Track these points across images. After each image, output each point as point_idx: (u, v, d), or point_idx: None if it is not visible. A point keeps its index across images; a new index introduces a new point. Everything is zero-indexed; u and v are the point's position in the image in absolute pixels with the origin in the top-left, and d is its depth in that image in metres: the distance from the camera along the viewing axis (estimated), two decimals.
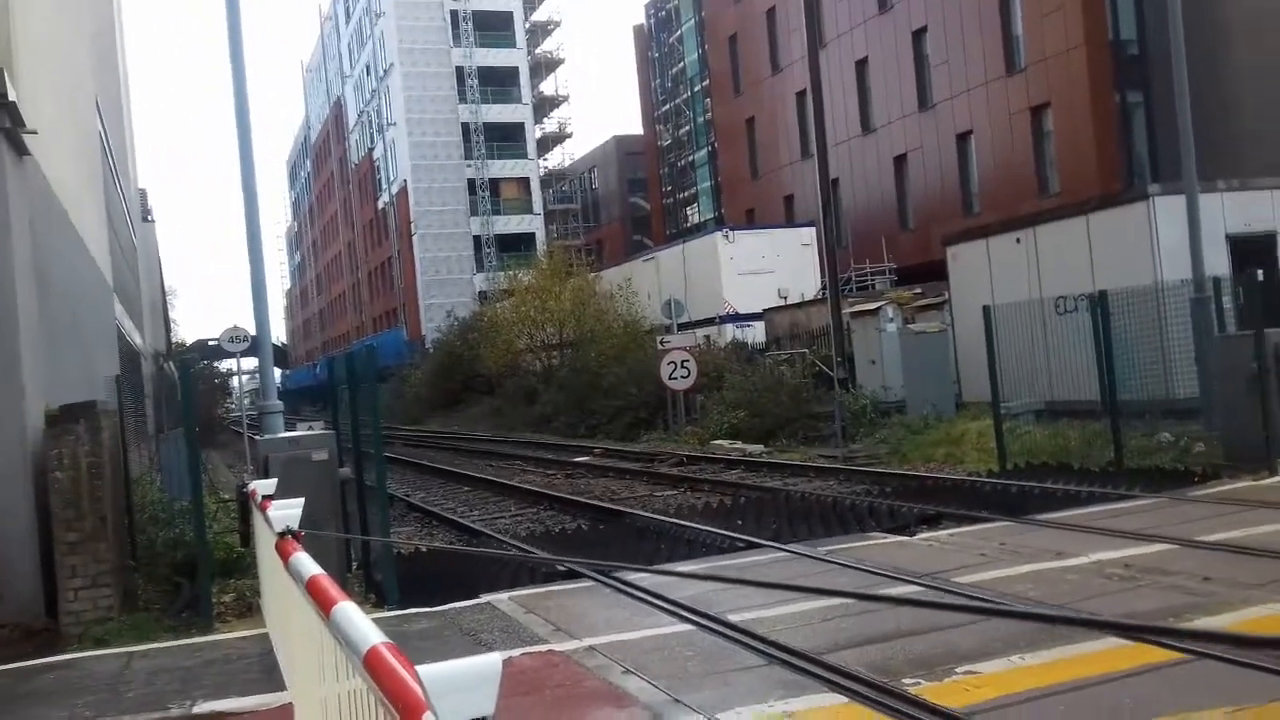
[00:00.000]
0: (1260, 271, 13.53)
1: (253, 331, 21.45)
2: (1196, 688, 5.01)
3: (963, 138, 35.27)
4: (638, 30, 65.70)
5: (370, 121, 76.98)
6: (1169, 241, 15.58)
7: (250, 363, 28.25)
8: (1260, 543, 7.89)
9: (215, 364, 47.97)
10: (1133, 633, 5.17)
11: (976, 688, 5.30)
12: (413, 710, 1.49)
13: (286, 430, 11.72)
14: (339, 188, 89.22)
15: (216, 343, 27.76)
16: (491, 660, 1.47)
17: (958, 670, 5.55)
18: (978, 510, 10.69)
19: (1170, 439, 13.30)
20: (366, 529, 9.72)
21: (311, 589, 2.83)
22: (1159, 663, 5.29)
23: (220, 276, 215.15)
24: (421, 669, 1.48)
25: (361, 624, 2.06)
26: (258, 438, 11.90)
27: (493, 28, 70.35)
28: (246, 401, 40.80)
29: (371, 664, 1.76)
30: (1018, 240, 18.78)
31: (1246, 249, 16.16)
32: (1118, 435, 12.86)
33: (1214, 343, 13.00)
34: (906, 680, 5.45)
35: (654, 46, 63.29)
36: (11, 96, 8.18)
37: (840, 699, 5.32)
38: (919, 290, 25.86)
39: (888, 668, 5.67)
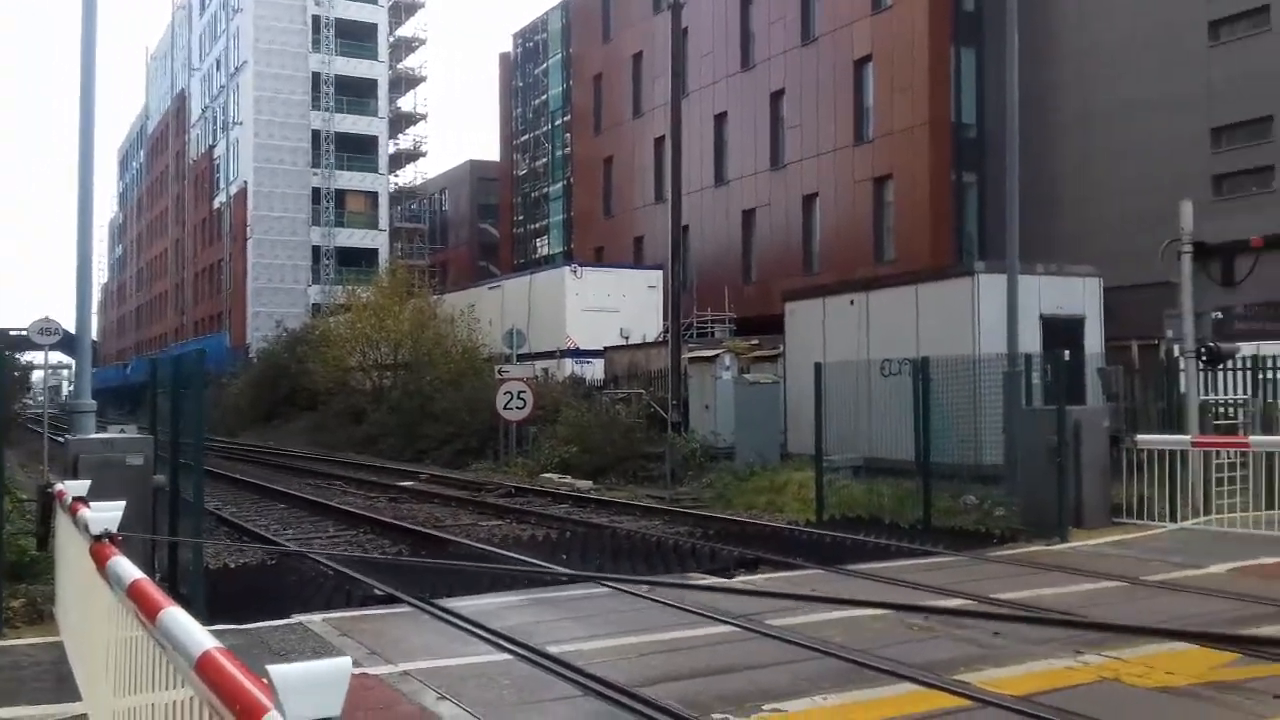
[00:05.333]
0: (1067, 352, 14.56)
1: (66, 324, 20.26)
2: None
3: (809, 199, 36.68)
4: (504, 58, 65.85)
5: (215, 118, 74.21)
6: (989, 316, 16.57)
7: (55, 357, 26.65)
8: (1047, 603, 8.46)
9: (16, 356, 45.04)
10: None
11: None
12: (252, 712, 1.50)
13: (96, 432, 11.11)
14: (173, 182, 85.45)
15: (24, 333, 26.04)
16: (342, 663, 1.49)
17: (764, 707, 5.75)
18: (794, 557, 11.07)
19: (975, 502, 14.08)
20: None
21: (134, 594, 2.75)
22: (950, 708, 5.67)
23: (28, 261, 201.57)
24: (272, 668, 1.49)
25: (193, 628, 2.04)
26: (64, 438, 11.25)
27: (355, 37, 69.05)
28: (46, 399, 38.45)
29: (206, 668, 1.76)
30: (851, 302, 19.62)
31: (1057, 329, 17.36)
32: (928, 495, 13.53)
33: (1021, 415, 13.88)
34: (715, 715, 5.61)
35: (519, 76, 63.49)
36: None
37: None
38: (756, 341, 26.58)
39: (697, 702, 5.82)
